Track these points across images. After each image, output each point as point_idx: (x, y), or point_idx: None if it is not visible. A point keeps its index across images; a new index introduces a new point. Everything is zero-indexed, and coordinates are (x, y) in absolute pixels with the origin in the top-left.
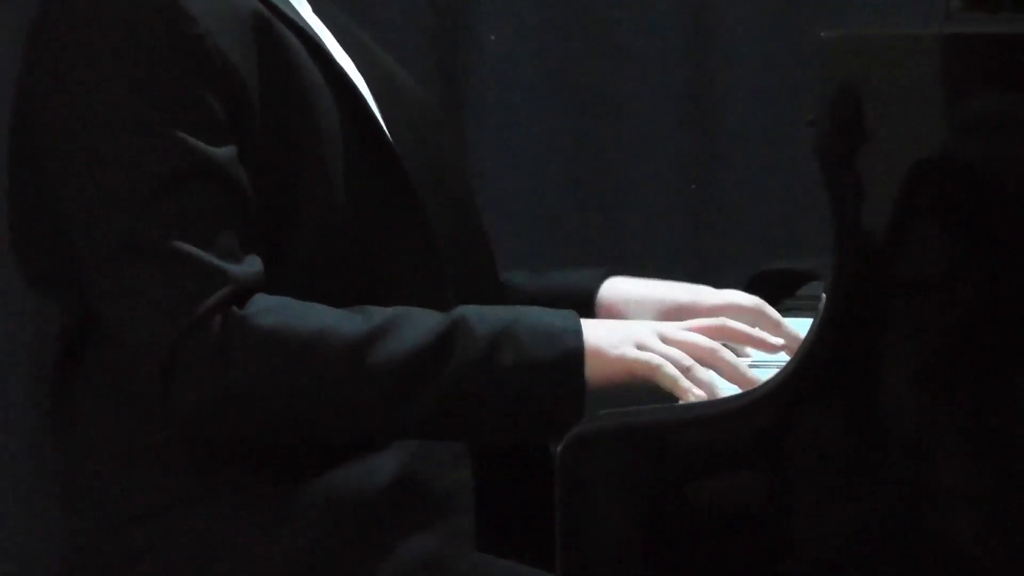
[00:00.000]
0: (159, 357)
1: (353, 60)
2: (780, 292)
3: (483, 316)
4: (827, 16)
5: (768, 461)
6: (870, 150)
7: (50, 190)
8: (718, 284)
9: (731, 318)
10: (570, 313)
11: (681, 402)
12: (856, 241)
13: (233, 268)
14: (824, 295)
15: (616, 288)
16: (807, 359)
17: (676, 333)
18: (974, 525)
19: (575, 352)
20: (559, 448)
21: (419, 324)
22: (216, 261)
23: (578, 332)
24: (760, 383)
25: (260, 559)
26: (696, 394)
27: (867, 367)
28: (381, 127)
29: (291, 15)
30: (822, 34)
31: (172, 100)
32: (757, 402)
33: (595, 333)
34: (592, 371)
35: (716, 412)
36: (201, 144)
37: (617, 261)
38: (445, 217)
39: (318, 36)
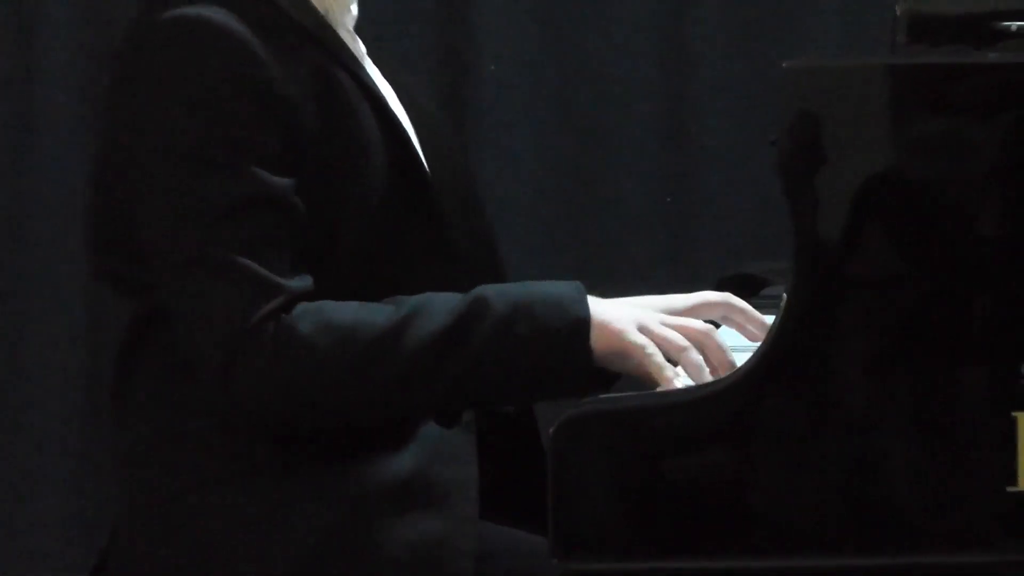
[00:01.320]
0: (221, 357)
1: (397, 95)
2: (745, 293)
3: (500, 292)
4: (788, 48)
5: (735, 441)
6: (826, 167)
7: (128, 208)
8: (690, 286)
9: (703, 315)
10: (577, 285)
11: (659, 388)
12: (813, 248)
13: (286, 283)
14: (785, 295)
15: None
16: (770, 351)
17: (674, 319)
18: (916, 494)
19: (583, 320)
20: (551, 430)
21: (442, 306)
22: (272, 276)
23: (584, 302)
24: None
25: (287, 535)
26: (674, 385)
27: (823, 358)
28: (422, 164)
29: (348, 63)
30: (783, 64)
31: (241, 137)
32: (726, 390)
33: (602, 307)
34: (596, 340)
35: (690, 398)
36: (264, 176)
37: (601, 265)
38: (467, 237)
39: (371, 80)
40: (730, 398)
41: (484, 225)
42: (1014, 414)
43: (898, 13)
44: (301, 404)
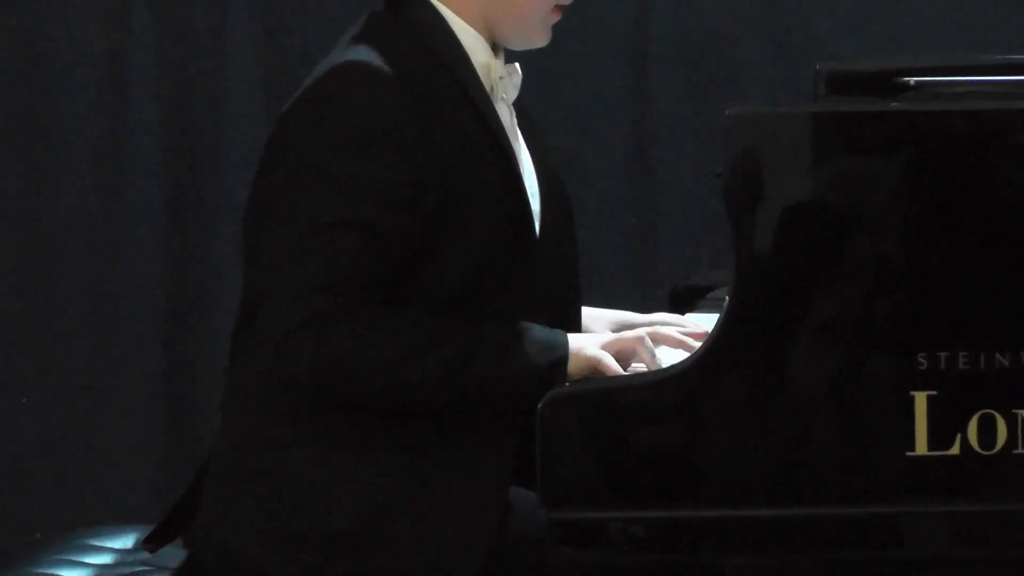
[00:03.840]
0: (278, 332)
1: (535, 163)
2: (695, 296)
3: (497, 331)
4: (731, 98)
5: (686, 415)
6: (760, 195)
7: (267, 205)
8: (651, 291)
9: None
10: (560, 332)
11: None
12: (749, 260)
13: (355, 290)
14: (727, 297)
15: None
16: (714, 343)
17: (622, 337)
18: (834, 457)
19: (562, 359)
20: (539, 407)
21: (456, 337)
22: (352, 279)
23: (565, 344)
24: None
25: (345, 498)
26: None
27: (758, 347)
28: (534, 230)
29: (494, 128)
30: (727, 111)
31: (370, 171)
32: (679, 374)
33: (577, 343)
34: (571, 367)
35: (650, 381)
36: (373, 208)
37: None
38: (556, 293)
39: (510, 147)
40: (682, 380)
41: (574, 284)
42: (912, 393)
43: (819, 71)
44: (342, 383)
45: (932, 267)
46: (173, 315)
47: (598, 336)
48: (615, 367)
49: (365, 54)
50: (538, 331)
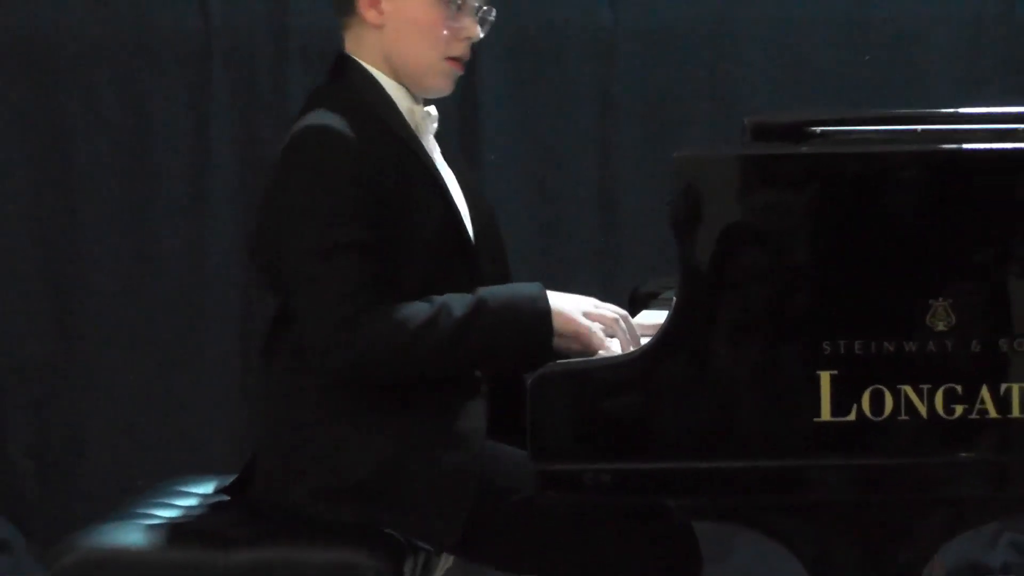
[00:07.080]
0: (326, 340)
1: (458, 180)
2: (649, 297)
3: (493, 294)
4: (679, 142)
5: (642, 389)
6: (700, 219)
7: (275, 245)
8: (615, 294)
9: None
10: (539, 285)
11: (599, 355)
12: (691, 270)
13: (370, 290)
14: (674, 298)
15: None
16: (664, 334)
17: (603, 305)
18: (759, 422)
19: (546, 313)
20: (529, 381)
21: (459, 303)
22: (363, 286)
23: (546, 299)
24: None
25: (362, 461)
26: (606, 350)
27: (698, 337)
28: (468, 233)
29: (425, 161)
30: (674, 153)
31: (347, 206)
32: (639, 356)
33: (558, 301)
34: (555, 324)
35: (617, 362)
36: (359, 229)
37: (558, 282)
38: (492, 279)
39: (439, 172)
40: (642, 361)
41: (505, 270)
42: (818, 372)
43: (746, 122)
44: (379, 364)
45: (833, 274)
46: (246, 301)
47: (581, 299)
48: (601, 342)
49: (318, 118)
50: (523, 289)
